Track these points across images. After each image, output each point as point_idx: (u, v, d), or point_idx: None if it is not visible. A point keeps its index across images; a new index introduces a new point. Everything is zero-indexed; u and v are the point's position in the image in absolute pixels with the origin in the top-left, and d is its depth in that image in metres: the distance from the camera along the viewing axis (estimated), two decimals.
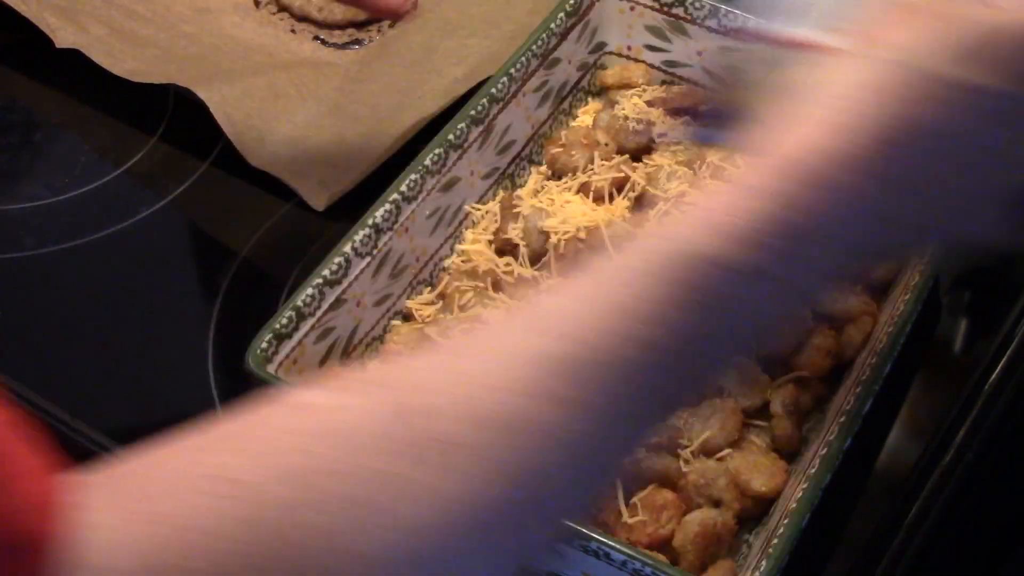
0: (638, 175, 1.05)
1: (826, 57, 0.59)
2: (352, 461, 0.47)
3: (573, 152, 1.07)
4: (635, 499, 0.85)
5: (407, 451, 0.47)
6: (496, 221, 1.04)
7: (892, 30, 0.55)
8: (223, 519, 0.46)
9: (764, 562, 0.77)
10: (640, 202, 1.05)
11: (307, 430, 0.49)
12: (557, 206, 1.03)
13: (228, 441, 0.50)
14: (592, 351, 0.47)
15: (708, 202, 0.51)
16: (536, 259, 1.01)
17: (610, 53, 1.17)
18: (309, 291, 0.90)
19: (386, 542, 0.47)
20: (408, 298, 1.00)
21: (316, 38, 1.25)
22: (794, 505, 0.80)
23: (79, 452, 0.93)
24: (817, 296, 0.62)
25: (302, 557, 0.46)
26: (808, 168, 0.51)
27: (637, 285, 0.48)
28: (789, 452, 0.92)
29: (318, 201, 1.09)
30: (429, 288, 1.01)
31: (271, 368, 0.86)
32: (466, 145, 1.02)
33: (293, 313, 0.88)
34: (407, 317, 0.99)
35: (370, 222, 0.94)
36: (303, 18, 1.26)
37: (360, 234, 0.93)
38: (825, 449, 0.83)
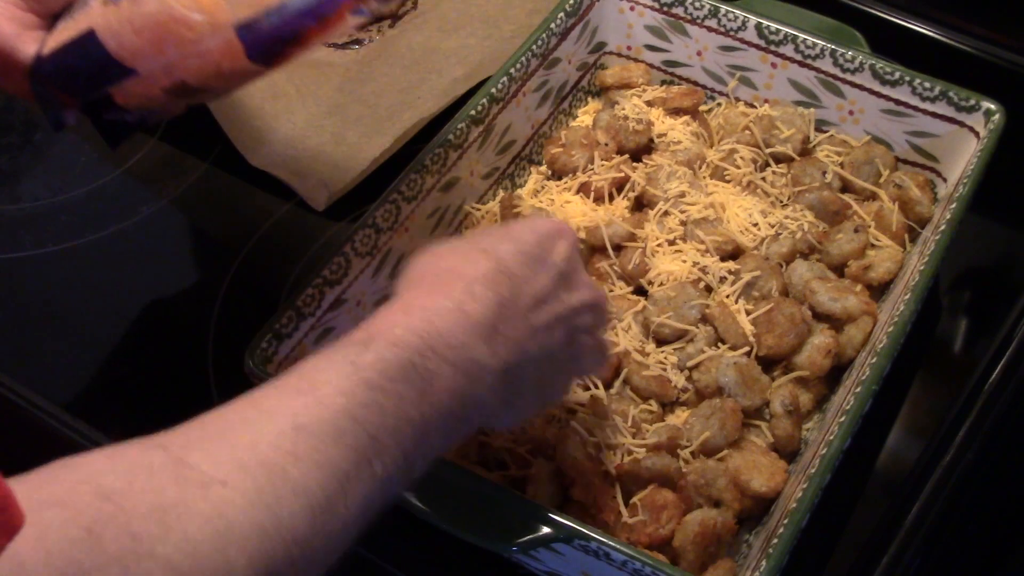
0: (638, 175, 1.05)
1: None
2: None
3: (573, 152, 1.07)
4: (635, 499, 0.85)
5: None
6: (496, 221, 1.04)
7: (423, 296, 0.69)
8: None
9: (764, 562, 0.77)
10: (640, 202, 1.05)
11: None
12: (557, 206, 1.03)
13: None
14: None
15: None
16: None
17: (610, 53, 1.17)
18: (309, 291, 0.90)
19: None
20: None
21: None
22: (794, 505, 0.80)
23: (79, 452, 0.93)
24: None
25: None
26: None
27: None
28: (789, 452, 0.92)
29: (318, 201, 1.09)
30: None
31: (271, 368, 0.86)
32: (466, 145, 1.02)
33: (293, 313, 0.88)
34: None
35: (370, 222, 0.94)
36: None
37: (360, 234, 0.93)
38: (825, 449, 0.83)
